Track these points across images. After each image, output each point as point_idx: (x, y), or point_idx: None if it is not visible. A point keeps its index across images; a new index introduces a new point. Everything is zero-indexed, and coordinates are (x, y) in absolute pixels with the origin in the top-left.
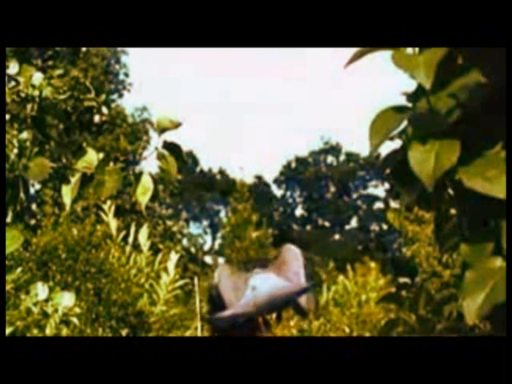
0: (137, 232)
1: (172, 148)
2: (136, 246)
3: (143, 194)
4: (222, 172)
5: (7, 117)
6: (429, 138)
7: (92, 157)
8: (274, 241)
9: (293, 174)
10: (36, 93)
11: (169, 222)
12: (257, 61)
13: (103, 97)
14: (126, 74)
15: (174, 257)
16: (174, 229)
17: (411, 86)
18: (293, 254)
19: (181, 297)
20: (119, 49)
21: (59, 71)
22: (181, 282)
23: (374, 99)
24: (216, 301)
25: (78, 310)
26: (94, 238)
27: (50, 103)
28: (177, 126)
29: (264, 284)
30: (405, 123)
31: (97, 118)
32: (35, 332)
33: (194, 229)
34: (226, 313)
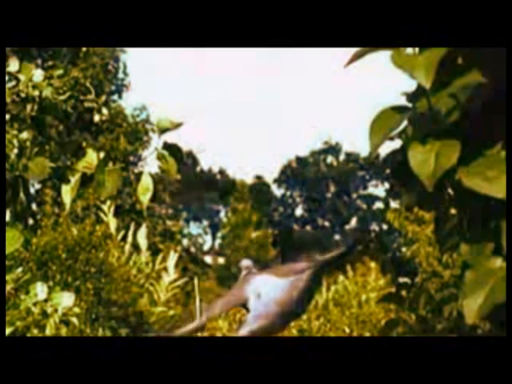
0: (136, 232)
1: (172, 149)
2: (136, 246)
3: (144, 193)
4: (221, 172)
5: (7, 117)
6: (429, 138)
7: (92, 157)
8: (274, 241)
9: (293, 173)
10: (36, 93)
11: (169, 222)
12: (257, 61)
13: (103, 97)
14: (125, 73)
15: (173, 256)
16: (174, 229)
17: (411, 86)
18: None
19: (180, 297)
20: (118, 48)
21: (59, 71)
22: (180, 282)
23: (374, 99)
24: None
25: (77, 309)
26: (94, 238)
27: (50, 103)
28: (177, 126)
29: (266, 289)
30: (405, 123)
31: (97, 118)
32: (35, 332)
33: (193, 229)
34: (243, 331)
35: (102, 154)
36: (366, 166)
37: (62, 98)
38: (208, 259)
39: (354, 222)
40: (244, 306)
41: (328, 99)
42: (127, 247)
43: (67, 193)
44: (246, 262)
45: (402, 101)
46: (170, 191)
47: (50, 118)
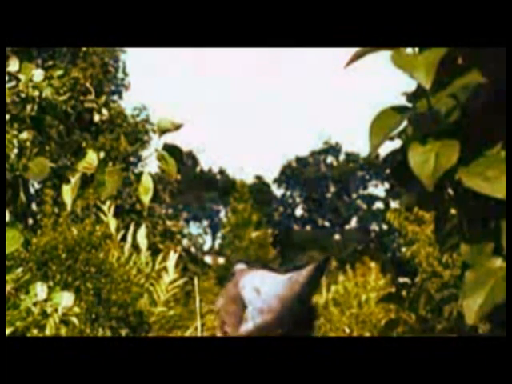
0: (136, 232)
1: (172, 149)
2: (136, 246)
3: (144, 193)
4: (222, 172)
5: (7, 117)
6: (429, 138)
7: (92, 157)
8: (274, 241)
9: (293, 173)
10: (36, 93)
11: (169, 222)
12: (257, 61)
13: (103, 98)
14: (125, 73)
15: (173, 256)
16: (174, 229)
17: (411, 85)
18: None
19: (180, 297)
20: (118, 47)
21: (59, 72)
22: (180, 282)
23: (374, 99)
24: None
25: (77, 309)
26: (94, 238)
27: (50, 103)
28: (177, 127)
29: (265, 286)
30: (405, 123)
31: (97, 118)
32: (35, 332)
33: (194, 229)
34: (247, 326)
35: (102, 154)
36: (365, 166)
37: (62, 98)
38: (208, 259)
39: (354, 221)
40: (243, 304)
41: (328, 99)
42: (127, 247)
43: (68, 193)
44: (239, 266)
45: (402, 101)
46: (170, 191)
47: (50, 118)
